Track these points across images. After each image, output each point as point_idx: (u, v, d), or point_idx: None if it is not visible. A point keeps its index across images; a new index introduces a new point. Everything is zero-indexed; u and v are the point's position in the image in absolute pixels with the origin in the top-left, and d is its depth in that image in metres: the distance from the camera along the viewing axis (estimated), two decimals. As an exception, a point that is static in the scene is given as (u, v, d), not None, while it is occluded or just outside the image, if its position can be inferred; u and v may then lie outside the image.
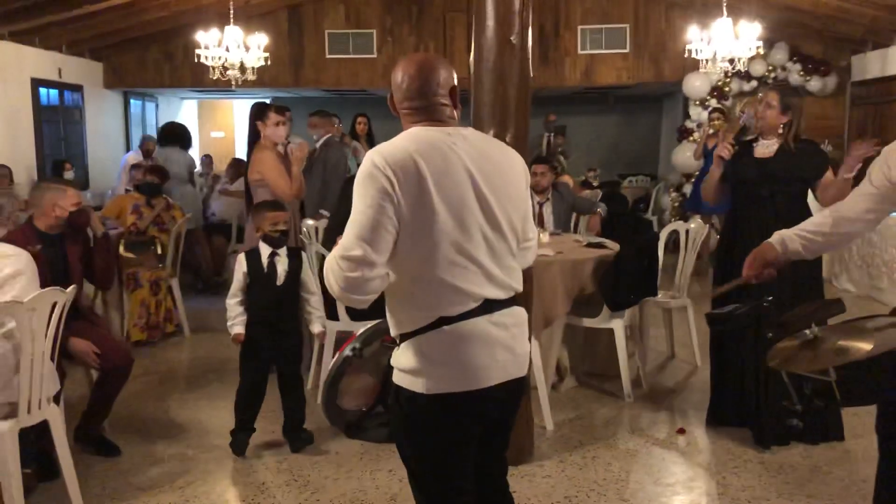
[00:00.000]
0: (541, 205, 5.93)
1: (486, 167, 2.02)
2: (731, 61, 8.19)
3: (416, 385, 2.00)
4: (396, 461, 3.76)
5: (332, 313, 4.60)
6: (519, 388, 2.14)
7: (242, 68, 8.40)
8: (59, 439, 3.24)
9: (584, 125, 14.05)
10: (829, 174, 3.83)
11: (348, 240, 1.94)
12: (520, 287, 2.11)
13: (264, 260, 3.88)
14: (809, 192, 3.92)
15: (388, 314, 2.11)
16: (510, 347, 2.05)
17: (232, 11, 8.28)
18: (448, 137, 2.01)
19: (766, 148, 3.91)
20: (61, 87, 10.07)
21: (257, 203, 4.14)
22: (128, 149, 11.72)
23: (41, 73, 9.59)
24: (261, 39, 8.39)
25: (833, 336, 2.05)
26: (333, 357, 3.91)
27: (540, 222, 5.80)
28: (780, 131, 3.86)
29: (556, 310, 4.40)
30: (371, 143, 8.15)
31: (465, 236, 1.96)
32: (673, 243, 5.46)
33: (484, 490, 2.22)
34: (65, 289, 3.16)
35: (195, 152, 13.42)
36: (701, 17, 8.79)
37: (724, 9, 8.05)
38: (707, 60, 8.25)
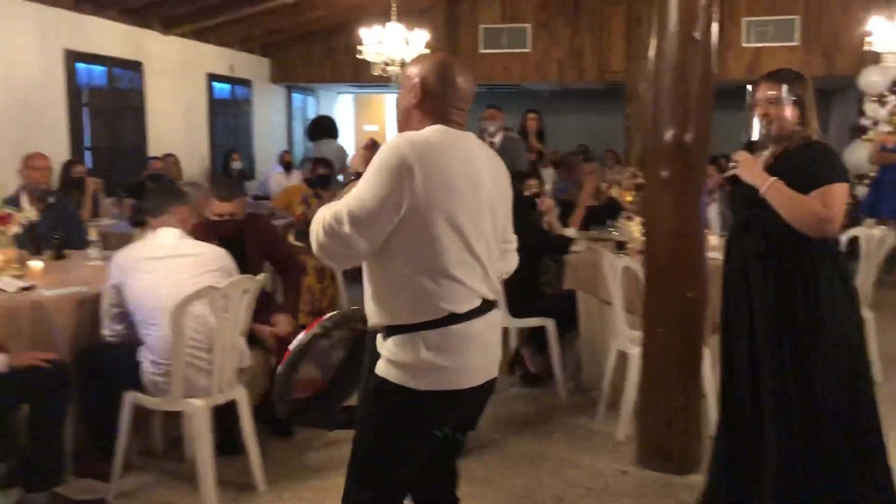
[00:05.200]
0: (706, 205, 5.72)
1: (491, 171, 2.08)
2: (919, 54, 7.61)
3: (406, 379, 1.96)
4: (560, 461, 3.73)
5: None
6: (491, 389, 2.16)
7: (403, 64, 8.59)
8: (246, 418, 3.44)
9: (743, 121, 13.44)
10: (821, 193, 2.70)
11: (342, 213, 1.90)
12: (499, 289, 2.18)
13: None
14: None
15: (376, 303, 2.03)
16: (494, 348, 2.11)
17: (394, 8, 8.47)
18: (470, 140, 2.06)
19: (766, 159, 2.95)
20: (233, 81, 10.68)
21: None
22: (289, 141, 12.29)
23: (215, 69, 10.21)
24: (423, 35, 8.54)
25: None
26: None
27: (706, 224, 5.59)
28: (797, 130, 2.84)
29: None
30: (542, 140, 8.09)
31: (476, 235, 1.99)
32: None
33: (437, 487, 2.30)
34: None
35: (350, 146, 13.91)
36: (886, 7, 8.19)
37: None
38: (891, 53, 7.68)
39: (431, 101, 2.01)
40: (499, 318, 2.13)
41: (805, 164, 2.77)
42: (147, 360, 3.24)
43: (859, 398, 2.79)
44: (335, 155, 8.54)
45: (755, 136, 3.05)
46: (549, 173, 8.31)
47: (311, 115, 13.16)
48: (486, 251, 2.02)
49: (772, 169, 2.83)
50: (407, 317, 1.96)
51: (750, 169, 2.83)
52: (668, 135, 3.49)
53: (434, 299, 1.93)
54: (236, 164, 9.48)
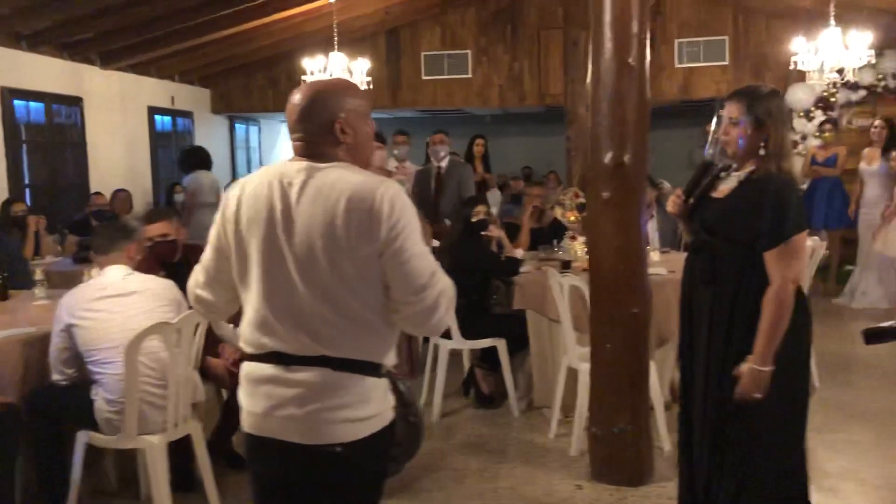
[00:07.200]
0: (645, 222, 5.89)
1: (304, 221, 1.82)
2: (840, 71, 7.95)
3: None
4: (516, 479, 3.77)
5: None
6: (312, 460, 1.88)
7: (345, 92, 8.63)
8: (200, 452, 3.43)
9: (680, 138, 13.84)
10: (776, 256, 2.50)
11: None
12: (340, 353, 1.84)
13: None
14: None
15: None
16: (295, 407, 1.84)
17: (336, 38, 8.55)
18: (289, 176, 1.85)
19: (729, 183, 2.70)
20: (174, 113, 10.60)
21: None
22: (233, 172, 12.21)
23: (156, 101, 10.13)
24: (363, 64, 8.62)
25: None
26: None
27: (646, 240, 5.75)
28: (762, 154, 2.58)
29: (670, 329, 4.37)
30: (486, 165, 8.17)
31: (255, 284, 1.88)
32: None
33: None
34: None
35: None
36: (807, 28, 8.57)
37: (832, 18, 7.83)
38: (814, 72, 8.03)
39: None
40: (321, 377, 1.84)
41: (757, 211, 2.53)
42: (101, 399, 3.21)
43: (794, 418, 2.70)
44: (210, 186, 8.09)
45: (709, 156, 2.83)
46: (495, 197, 8.44)
47: (255, 144, 13.12)
48: (276, 305, 1.84)
49: (733, 196, 2.63)
50: None
51: (754, 382, 2.54)
52: (608, 157, 3.62)
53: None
54: (179, 197, 9.37)
